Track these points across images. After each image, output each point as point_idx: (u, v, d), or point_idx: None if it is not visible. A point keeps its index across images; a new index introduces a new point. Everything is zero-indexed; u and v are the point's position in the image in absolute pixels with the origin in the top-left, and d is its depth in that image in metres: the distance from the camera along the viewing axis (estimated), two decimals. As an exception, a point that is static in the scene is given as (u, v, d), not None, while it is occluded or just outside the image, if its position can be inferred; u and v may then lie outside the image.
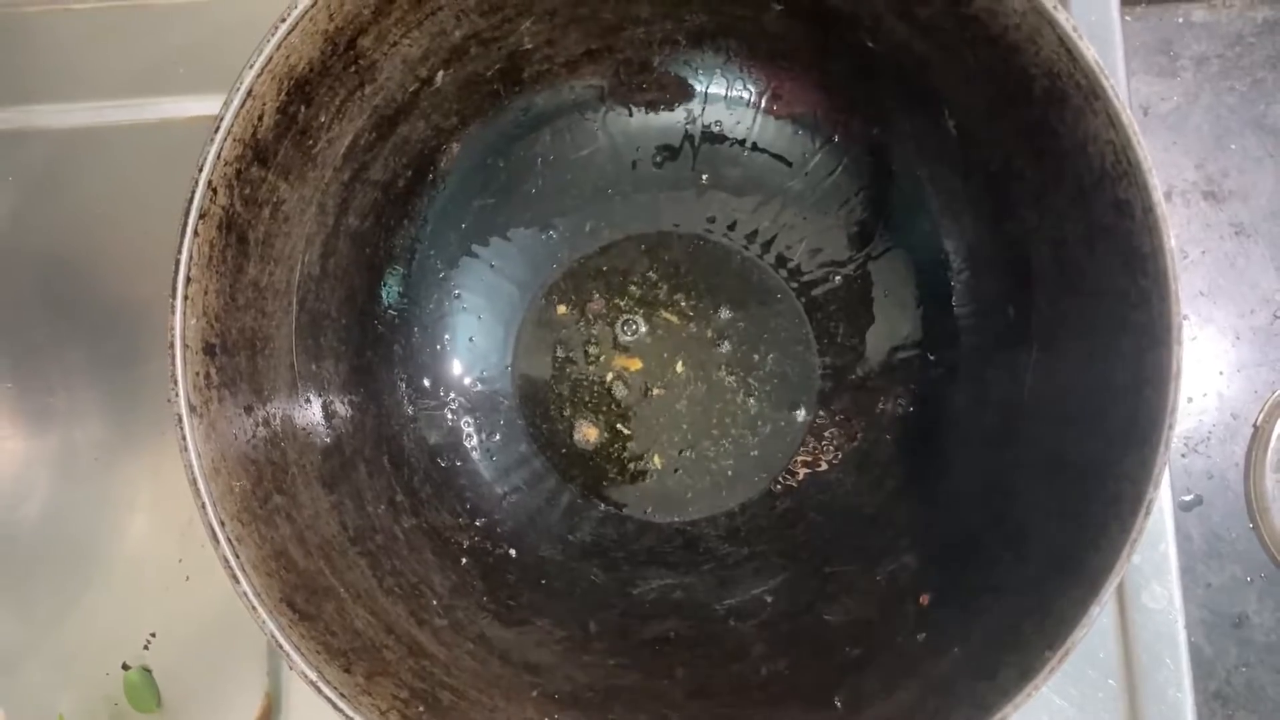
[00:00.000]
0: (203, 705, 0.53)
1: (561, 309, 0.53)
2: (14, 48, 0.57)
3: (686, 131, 0.52)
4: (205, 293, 0.38)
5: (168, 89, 0.57)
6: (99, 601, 0.54)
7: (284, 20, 0.37)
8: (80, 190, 0.57)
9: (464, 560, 0.48)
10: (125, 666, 0.53)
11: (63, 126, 0.57)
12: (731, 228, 0.53)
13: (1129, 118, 0.37)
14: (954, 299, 0.49)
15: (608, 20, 0.47)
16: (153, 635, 0.54)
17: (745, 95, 0.51)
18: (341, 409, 0.47)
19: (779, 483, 0.52)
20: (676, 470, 0.52)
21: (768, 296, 0.53)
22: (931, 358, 0.50)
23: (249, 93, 0.37)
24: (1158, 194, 0.36)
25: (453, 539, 0.49)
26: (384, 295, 0.50)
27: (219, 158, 0.37)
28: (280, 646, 0.36)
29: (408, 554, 0.46)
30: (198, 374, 0.37)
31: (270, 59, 0.37)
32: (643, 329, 0.53)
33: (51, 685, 0.53)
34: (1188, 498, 0.72)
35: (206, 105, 0.56)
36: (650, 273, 0.53)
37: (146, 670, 0.53)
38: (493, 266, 0.53)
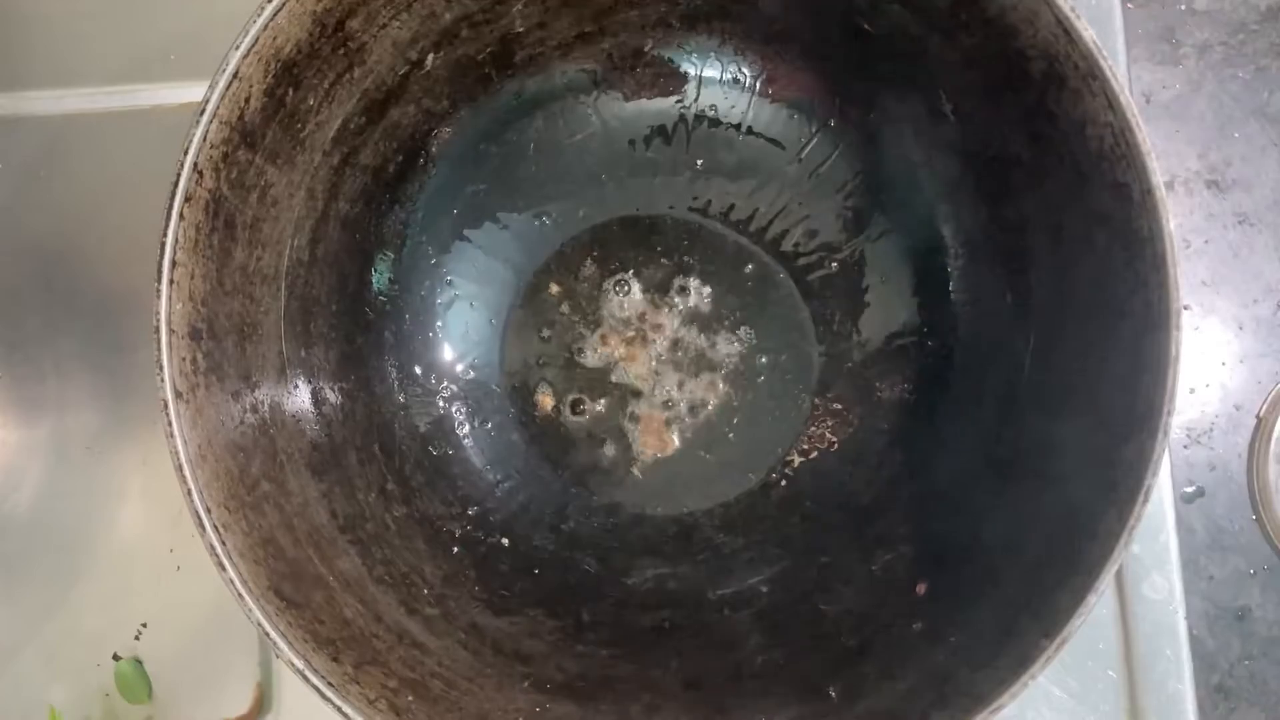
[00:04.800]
0: (194, 696, 0.53)
1: (554, 294, 0.53)
2: (4, 34, 0.57)
3: (681, 115, 0.51)
4: (191, 277, 0.37)
5: (159, 75, 0.57)
6: (90, 592, 0.54)
7: (270, 1, 0.37)
8: (71, 177, 0.57)
9: (456, 549, 0.48)
10: (116, 657, 0.53)
11: (53, 113, 0.57)
12: (727, 212, 0.52)
13: (1127, 99, 0.36)
14: (951, 285, 0.49)
15: (601, 2, 0.47)
16: (144, 626, 0.53)
17: (740, 79, 0.51)
18: (331, 396, 0.46)
19: (775, 472, 0.52)
20: (671, 459, 0.52)
21: (764, 282, 0.52)
22: (929, 344, 0.50)
23: (235, 75, 0.37)
24: (1156, 176, 0.36)
25: (444, 528, 0.48)
26: (374, 281, 0.50)
27: (205, 140, 0.37)
28: (267, 634, 0.36)
29: (399, 543, 0.46)
30: (184, 359, 0.37)
31: (257, 40, 0.37)
32: (636, 315, 0.52)
33: (42, 676, 0.53)
34: (1190, 489, 0.71)
35: (199, 91, 0.55)
36: (644, 258, 0.53)
37: (137, 661, 0.53)
38: (485, 252, 0.52)
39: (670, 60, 0.50)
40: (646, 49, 0.50)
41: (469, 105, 0.49)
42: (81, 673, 0.53)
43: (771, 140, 0.51)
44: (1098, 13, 0.55)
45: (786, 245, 0.52)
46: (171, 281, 0.36)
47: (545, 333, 0.53)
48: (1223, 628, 0.71)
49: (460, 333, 0.52)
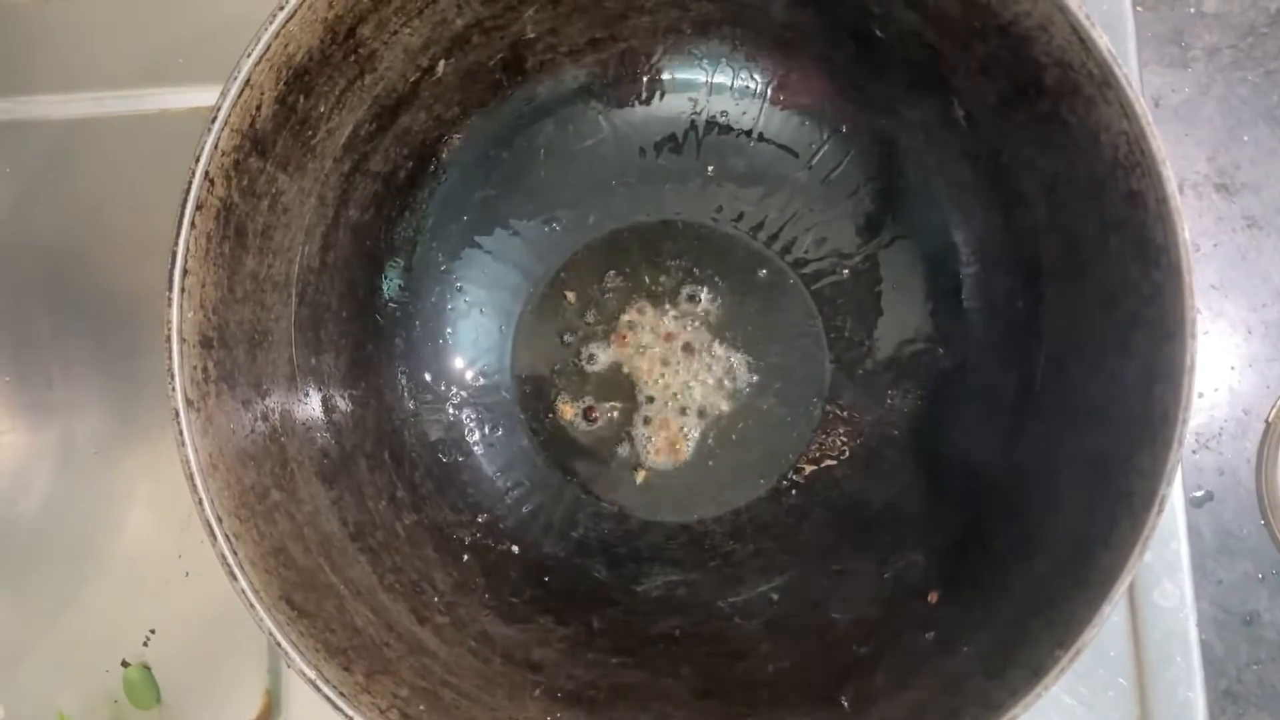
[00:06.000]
0: (202, 702, 0.53)
1: (564, 301, 0.53)
2: (12, 38, 0.57)
3: (691, 122, 0.51)
4: (203, 285, 0.37)
5: (167, 79, 0.57)
6: (98, 598, 0.54)
7: (282, 8, 0.37)
8: (79, 181, 0.57)
9: (466, 557, 0.48)
10: (125, 663, 0.53)
11: (62, 117, 0.57)
12: (738, 219, 0.52)
13: (1143, 107, 0.36)
14: (963, 292, 0.49)
15: (612, 8, 0.47)
16: (152, 632, 0.53)
17: (751, 85, 0.50)
18: (341, 404, 0.46)
19: (785, 479, 0.52)
20: (681, 466, 0.52)
21: (775, 289, 0.52)
22: (940, 352, 0.50)
23: (247, 82, 0.37)
24: (1171, 185, 0.35)
25: (454, 535, 0.48)
26: (385, 288, 0.49)
27: (216, 148, 0.37)
28: (278, 644, 0.36)
29: (409, 550, 0.46)
30: (195, 368, 0.37)
31: (268, 47, 0.37)
32: (647, 322, 0.52)
33: (51, 682, 0.53)
34: (1198, 494, 0.71)
35: (206, 96, 0.55)
36: (655, 264, 0.53)
37: (146, 667, 0.53)
38: (495, 258, 0.52)
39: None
40: (656, 57, 0.50)
41: (480, 111, 0.49)
42: (90, 679, 0.53)
43: (782, 147, 0.51)
44: (1109, 18, 0.55)
45: (798, 251, 0.52)
46: (183, 290, 0.36)
47: (556, 339, 0.53)
48: (1231, 632, 0.71)
49: (470, 339, 0.52)
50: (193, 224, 0.36)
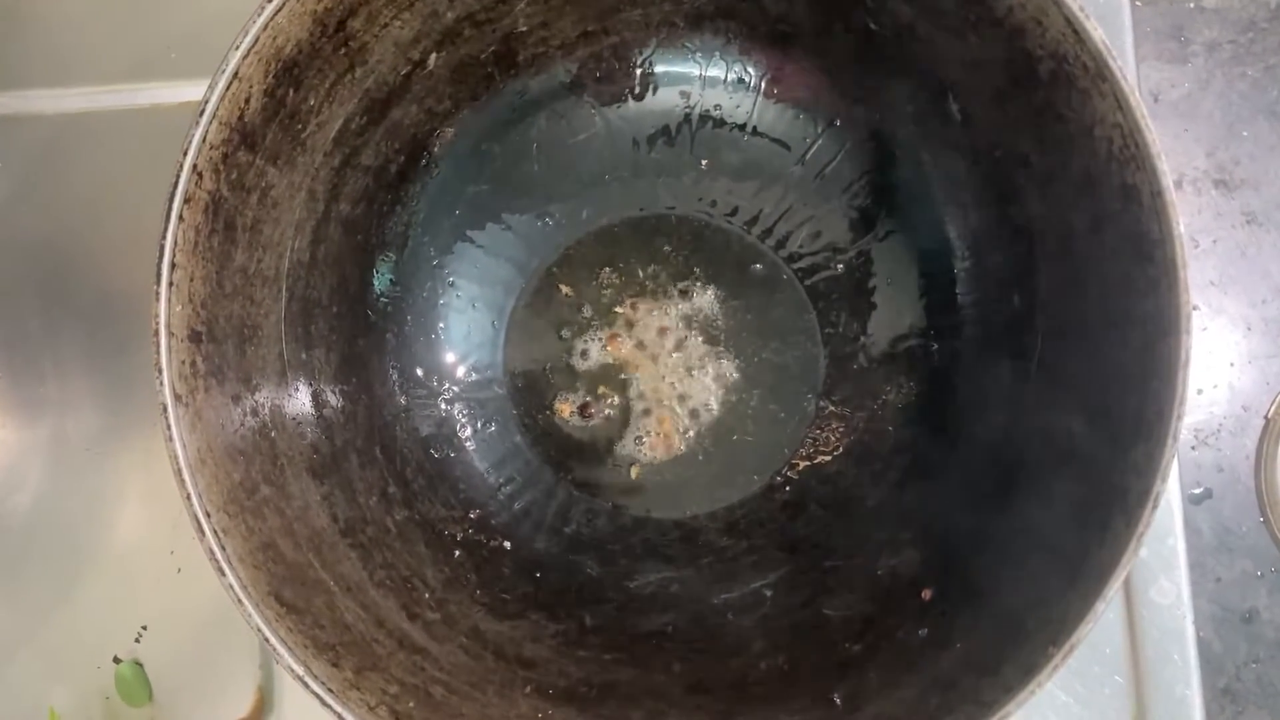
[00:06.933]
0: (194, 699, 0.53)
1: (557, 296, 0.52)
2: (4, 33, 0.57)
3: (685, 115, 0.51)
4: (191, 279, 0.37)
5: (159, 74, 0.56)
6: (90, 594, 0.54)
7: (270, 0, 0.36)
8: (72, 176, 0.57)
9: (457, 553, 0.48)
10: (116, 660, 0.53)
11: (54, 112, 0.57)
12: (732, 213, 0.52)
13: (1137, 100, 0.36)
14: (958, 287, 0.48)
15: (604, 1, 0.46)
16: (144, 628, 0.53)
17: (745, 79, 0.50)
18: (332, 399, 0.46)
19: (779, 475, 0.51)
20: (674, 462, 0.52)
21: (769, 283, 0.52)
22: (935, 347, 0.50)
23: (234, 75, 0.37)
24: (1166, 179, 0.35)
25: (446, 531, 0.48)
26: (376, 283, 0.49)
27: (204, 141, 0.36)
28: (267, 640, 0.36)
29: (400, 546, 0.45)
30: (183, 362, 0.36)
31: (257, 40, 0.37)
32: (640, 317, 0.52)
33: (42, 679, 0.53)
34: (1197, 491, 0.71)
35: (199, 90, 0.55)
36: (648, 259, 0.52)
37: (138, 664, 0.53)
38: (487, 253, 0.52)
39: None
40: (648, 50, 0.49)
41: (471, 105, 0.49)
42: (82, 675, 0.53)
43: (776, 140, 0.51)
44: (1106, 10, 0.55)
45: (792, 246, 0.52)
46: (170, 284, 0.36)
47: (547, 334, 0.52)
48: (1229, 630, 0.71)
49: (462, 334, 0.52)
50: (180, 217, 0.36)
